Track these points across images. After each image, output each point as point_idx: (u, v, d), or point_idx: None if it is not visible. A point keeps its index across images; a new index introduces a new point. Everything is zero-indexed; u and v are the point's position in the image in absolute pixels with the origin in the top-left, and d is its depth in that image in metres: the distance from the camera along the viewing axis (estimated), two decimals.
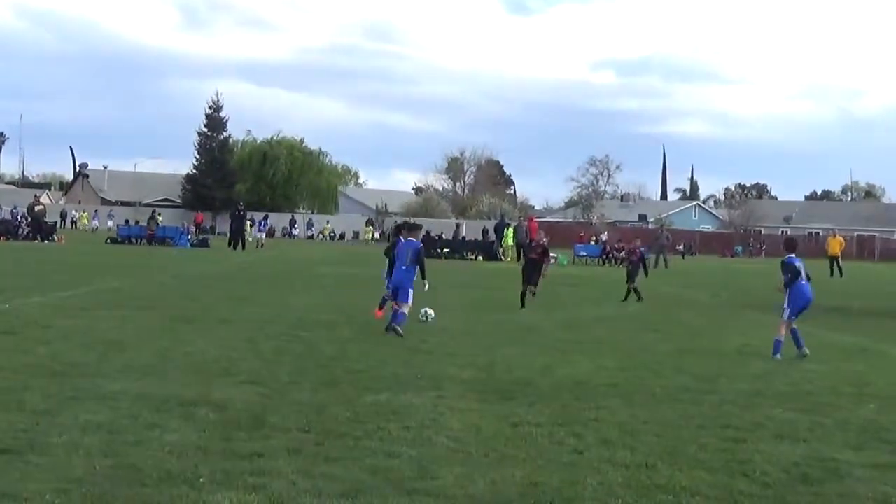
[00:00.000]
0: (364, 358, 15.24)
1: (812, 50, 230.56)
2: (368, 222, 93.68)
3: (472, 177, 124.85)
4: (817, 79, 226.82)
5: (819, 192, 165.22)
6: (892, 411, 12.42)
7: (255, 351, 15.58)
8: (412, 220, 34.64)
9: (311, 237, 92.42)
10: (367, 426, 10.27)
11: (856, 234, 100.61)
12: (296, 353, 15.53)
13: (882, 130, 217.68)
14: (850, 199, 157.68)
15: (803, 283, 17.53)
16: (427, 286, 19.15)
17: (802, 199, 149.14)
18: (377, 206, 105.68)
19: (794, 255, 17.76)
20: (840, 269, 51.29)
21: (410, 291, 18.74)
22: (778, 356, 16.96)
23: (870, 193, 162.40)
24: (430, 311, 20.75)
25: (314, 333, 17.97)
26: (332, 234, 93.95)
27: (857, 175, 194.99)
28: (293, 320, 20.00)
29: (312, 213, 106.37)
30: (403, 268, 18.90)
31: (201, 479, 7.99)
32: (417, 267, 18.98)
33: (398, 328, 18.02)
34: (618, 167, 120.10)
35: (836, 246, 53.81)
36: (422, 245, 19.59)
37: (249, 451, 8.97)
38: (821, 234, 74.04)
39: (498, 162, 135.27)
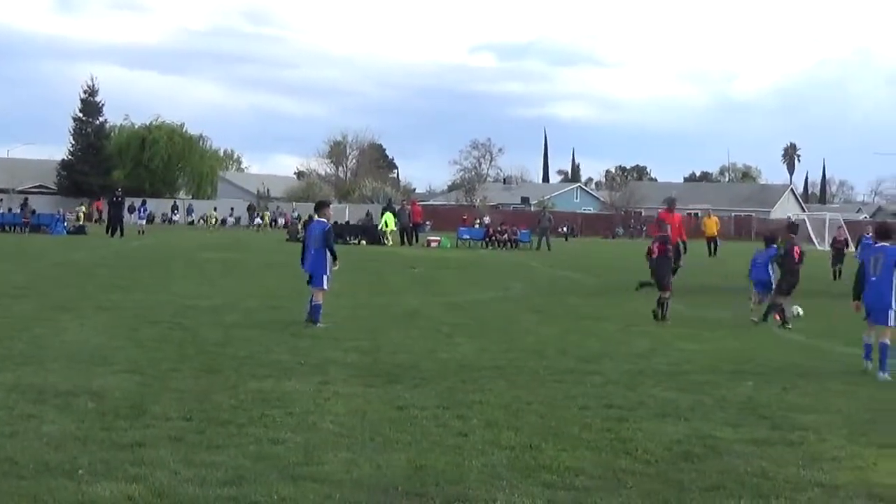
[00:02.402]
0: (247, 344, 15.07)
1: (690, 34, 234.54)
2: (251, 208, 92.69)
3: (354, 161, 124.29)
4: (695, 62, 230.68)
5: (698, 174, 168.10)
6: (768, 388, 12.68)
7: (135, 339, 15.30)
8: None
9: (192, 223, 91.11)
10: (250, 413, 10.15)
11: (733, 214, 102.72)
12: (177, 340, 15.29)
13: (757, 113, 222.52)
14: (727, 180, 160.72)
15: (872, 278, 15.13)
16: (336, 266, 18.25)
17: (682, 180, 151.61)
18: (258, 191, 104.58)
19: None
20: (715, 248, 52.20)
21: (325, 277, 18.00)
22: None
23: (746, 175, 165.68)
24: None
25: (196, 320, 17.72)
26: (221, 220, 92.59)
27: (734, 157, 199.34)
28: (174, 307, 19.70)
29: (193, 198, 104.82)
30: (314, 251, 18.24)
31: (80, 471, 7.82)
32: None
33: (317, 323, 17.56)
34: (500, 150, 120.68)
35: (712, 226, 54.78)
36: (330, 225, 18.94)
37: (130, 441, 8.81)
38: (699, 214, 75.33)
39: (380, 146, 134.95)
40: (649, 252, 21.18)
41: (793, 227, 23.15)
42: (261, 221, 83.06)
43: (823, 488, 8.17)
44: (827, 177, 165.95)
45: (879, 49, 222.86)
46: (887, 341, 14.13)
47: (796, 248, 20.57)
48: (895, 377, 13.84)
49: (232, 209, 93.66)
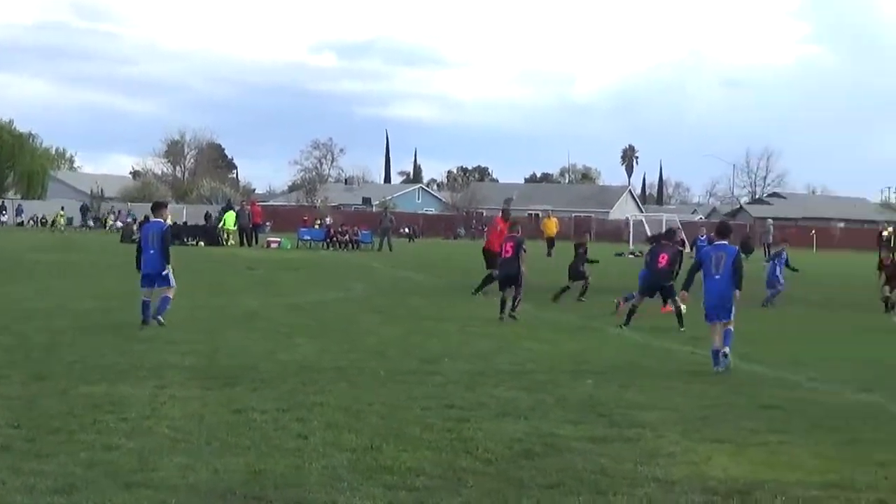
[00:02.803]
0: (78, 348, 14.63)
1: (531, 35, 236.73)
2: (83, 208, 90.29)
3: (192, 160, 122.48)
4: (536, 64, 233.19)
5: (538, 175, 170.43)
6: (607, 386, 12.86)
7: None
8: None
9: (22, 224, 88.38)
10: (82, 419, 9.84)
11: (573, 214, 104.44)
12: (4, 345, 14.74)
13: (597, 115, 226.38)
14: (567, 181, 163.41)
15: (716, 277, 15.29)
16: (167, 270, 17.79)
17: (523, 181, 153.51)
18: (92, 191, 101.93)
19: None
20: (551, 248, 52.83)
21: (168, 275, 17.63)
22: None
23: (586, 176, 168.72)
24: None
25: (25, 324, 17.12)
26: (67, 220, 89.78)
27: (574, 158, 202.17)
28: (1, 311, 19.01)
29: (23, 198, 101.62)
30: (152, 252, 17.76)
31: None
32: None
33: (160, 314, 17.27)
34: (341, 150, 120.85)
35: (551, 227, 55.57)
36: (168, 226, 18.41)
37: None
38: (540, 215, 76.42)
39: (219, 145, 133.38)
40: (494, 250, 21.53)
41: (670, 233, 23.73)
42: (110, 222, 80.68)
43: (660, 483, 8.29)
44: (664, 178, 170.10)
45: (712, 52, 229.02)
46: (731, 328, 14.68)
47: (663, 255, 20.87)
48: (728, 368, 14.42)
49: (62, 209, 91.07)
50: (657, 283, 20.67)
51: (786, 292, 27.08)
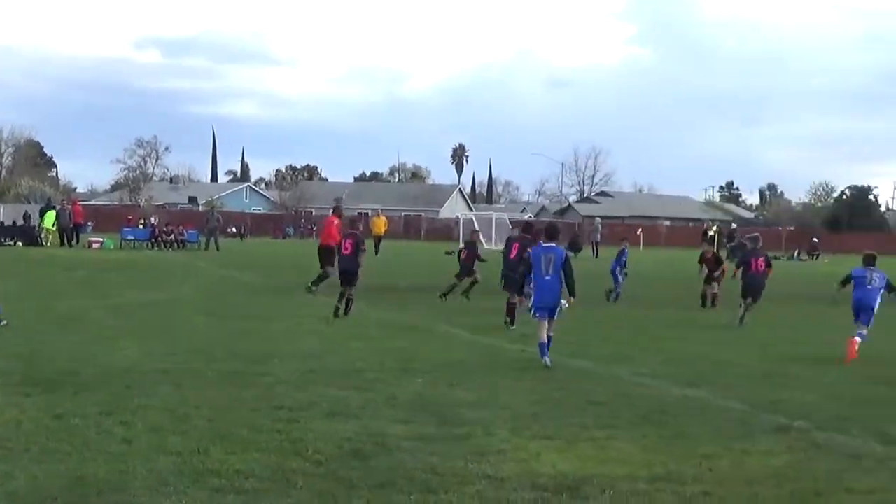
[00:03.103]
0: None
1: (359, 31, 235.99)
2: None
3: (9, 158, 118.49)
4: (364, 60, 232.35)
5: (368, 174, 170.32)
6: (437, 385, 12.88)
7: None
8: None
9: None
10: None
11: (403, 213, 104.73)
12: None
13: (427, 113, 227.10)
14: (397, 180, 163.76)
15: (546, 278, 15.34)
16: None
17: (352, 180, 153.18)
18: None
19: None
20: (378, 247, 52.85)
21: None
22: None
23: (416, 175, 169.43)
24: None
25: None
26: None
27: (404, 157, 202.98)
28: None
29: None
30: None
31: None
32: None
33: None
34: (167, 148, 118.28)
35: (380, 225, 55.63)
36: None
37: None
38: (370, 213, 76.48)
39: (38, 143, 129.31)
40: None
41: (527, 227, 24.25)
42: None
43: (490, 480, 8.31)
44: (494, 177, 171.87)
45: (541, 51, 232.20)
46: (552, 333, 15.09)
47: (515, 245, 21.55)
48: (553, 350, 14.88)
49: None
50: (508, 275, 20.99)
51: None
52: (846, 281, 18.01)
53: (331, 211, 28.85)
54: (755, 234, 25.47)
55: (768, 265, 22.98)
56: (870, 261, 17.97)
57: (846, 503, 7.93)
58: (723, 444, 9.77)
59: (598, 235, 63.55)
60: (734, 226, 74.52)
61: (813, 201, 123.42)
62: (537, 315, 15.26)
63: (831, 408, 11.93)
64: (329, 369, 13.93)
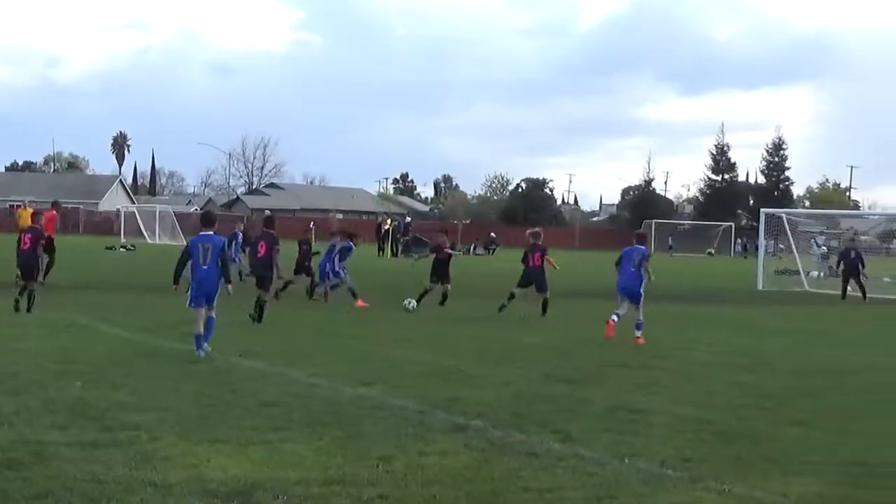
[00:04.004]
0: None
1: (11, 11, 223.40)
2: None
3: None
4: (12, 41, 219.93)
5: (20, 163, 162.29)
6: (98, 387, 12.15)
7: None
8: None
9: None
10: None
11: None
12: None
13: (84, 100, 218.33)
14: (52, 170, 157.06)
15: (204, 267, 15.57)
16: None
17: (3, 170, 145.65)
18: None
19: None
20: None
21: None
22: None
23: (73, 165, 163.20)
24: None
25: None
26: None
27: (60, 146, 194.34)
28: None
29: None
30: None
31: None
32: None
33: None
34: None
35: (27, 219, 52.84)
36: None
37: None
38: (20, 206, 72.76)
39: None
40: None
41: (268, 221, 23.16)
42: None
43: (156, 488, 7.86)
44: (157, 167, 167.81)
45: (204, 36, 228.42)
46: (213, 316, 15.44)
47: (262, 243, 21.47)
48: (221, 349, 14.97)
49: None
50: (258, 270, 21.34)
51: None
52: (618, 262, 19.91)
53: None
54: (537, 229, 26.21)
55: (543, 257, 24.28)
56: (638, 240, 20.30)
57: (523, 502, 7.90)
58: (399, 445, 9.62)
59: None
60: (408, 219, 75.82)
61: (489, 194, 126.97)
62: (193, 305, 15.27)
63: (509, 406, 12.01)
64: None
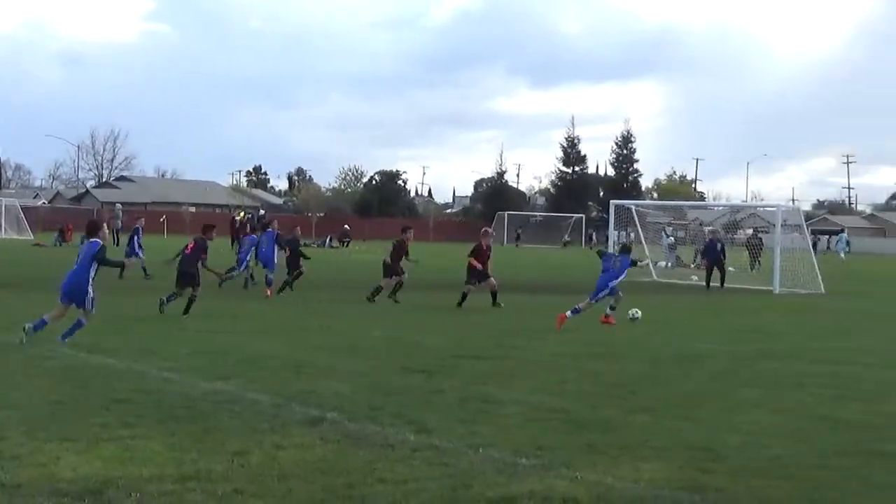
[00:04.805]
0: None
1: None
2: None
3: None
4: None
5: None
6: None
7: None
8: None
9: None
10: None
11: None
12: None
13: None
14: None
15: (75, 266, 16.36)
16: None
17: None
18: None
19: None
20: None
21: None
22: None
23: None
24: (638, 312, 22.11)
25: None
26: None
27: None
28: None
29: None
30: None
31: None
32: None
33: None
34: None
35: None
36: None
37: None
38: None
39: None
40: None
41: (206, 228, 23.35)
42: None
43: (3, 488, 7.70)
44: (2, 160, 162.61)
45: (51, 24, 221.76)
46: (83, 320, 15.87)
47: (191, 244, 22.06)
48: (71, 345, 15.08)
49: None
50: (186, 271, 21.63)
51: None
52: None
53: None
54: (487, 228, 28.33)
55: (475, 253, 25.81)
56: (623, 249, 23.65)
57: (379, 494, 7.91)
58: (254, 439, 9.55)
59: (119, 223, 61.88)
60: (262, 212, 75.09)
61: (343, 187, 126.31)
62: (62, 301, 15.85)
63: (364, 398, 12.01)
64: None
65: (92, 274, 15.79)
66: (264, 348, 16.31)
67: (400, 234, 27.57)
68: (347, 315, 22.39)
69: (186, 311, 20.84)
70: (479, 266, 25.52)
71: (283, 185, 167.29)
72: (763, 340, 20.27)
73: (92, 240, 16.17)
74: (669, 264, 49.29)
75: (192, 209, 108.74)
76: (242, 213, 56.49)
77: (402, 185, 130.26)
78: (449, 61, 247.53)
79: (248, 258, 29.23)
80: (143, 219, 37.59)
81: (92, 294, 15.78)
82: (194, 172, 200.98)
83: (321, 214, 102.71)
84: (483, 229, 27.46)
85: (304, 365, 14.67)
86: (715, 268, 37.85)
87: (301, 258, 28.74)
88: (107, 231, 16.84)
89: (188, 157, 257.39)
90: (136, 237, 33.91)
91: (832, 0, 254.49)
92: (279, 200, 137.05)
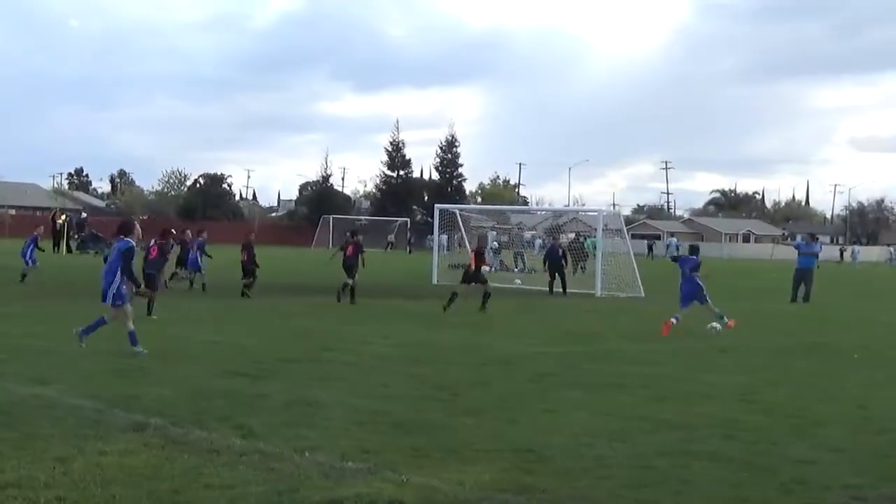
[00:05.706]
0: None
1: None
2: None
3: None
4: None
5: None
6: None
7: None
8: None
9: None
10: None
11: None
12: None
13: None
14: None
15: None
16: None
17: None
18: None
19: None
20: None
21: None
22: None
23: None
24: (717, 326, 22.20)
25: None
26: None
27: None
28: None
29: None
30: None
31: None
32: None
33: None
34: None
35: None
36: None
37: None
38: None
39: None
40: None
41: (164, 233, 25.05)
42: None
43: None
44: None
45: None
46: None
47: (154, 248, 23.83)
48: None
49: None
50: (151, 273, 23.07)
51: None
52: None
53: None
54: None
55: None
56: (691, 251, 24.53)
57: (205, 499, 7.87)
58: (77, 445, 9.37)
59: None
60: (84, 215, 73.18)
61: (167, 189, 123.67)
62: None
63: (188, 402, 11.91)
64: None
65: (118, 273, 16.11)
66: (85, 352, 15.95)
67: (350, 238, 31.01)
68: (166, 320, 21.98)
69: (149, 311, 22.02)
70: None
71: (105, 187, 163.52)
72: (585, 342, 20.80)
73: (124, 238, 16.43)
74: (494, 269, 49.88)
75: (13, 212, 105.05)
76: (63, 216, 54.98)
77: (228, 188, 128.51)
78: (273, 64, 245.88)
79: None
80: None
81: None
82: (14, 174, 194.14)
83: (144, 217, 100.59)
84: (479, 234, 29.76)
85: (127, 369, 14.46)
86: (556, 274, 38.25)
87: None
88: (140, 231, 16.87)
89: (5, 160, 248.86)
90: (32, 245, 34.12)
91: (649, 8, 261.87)
92: (102, 203, 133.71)
